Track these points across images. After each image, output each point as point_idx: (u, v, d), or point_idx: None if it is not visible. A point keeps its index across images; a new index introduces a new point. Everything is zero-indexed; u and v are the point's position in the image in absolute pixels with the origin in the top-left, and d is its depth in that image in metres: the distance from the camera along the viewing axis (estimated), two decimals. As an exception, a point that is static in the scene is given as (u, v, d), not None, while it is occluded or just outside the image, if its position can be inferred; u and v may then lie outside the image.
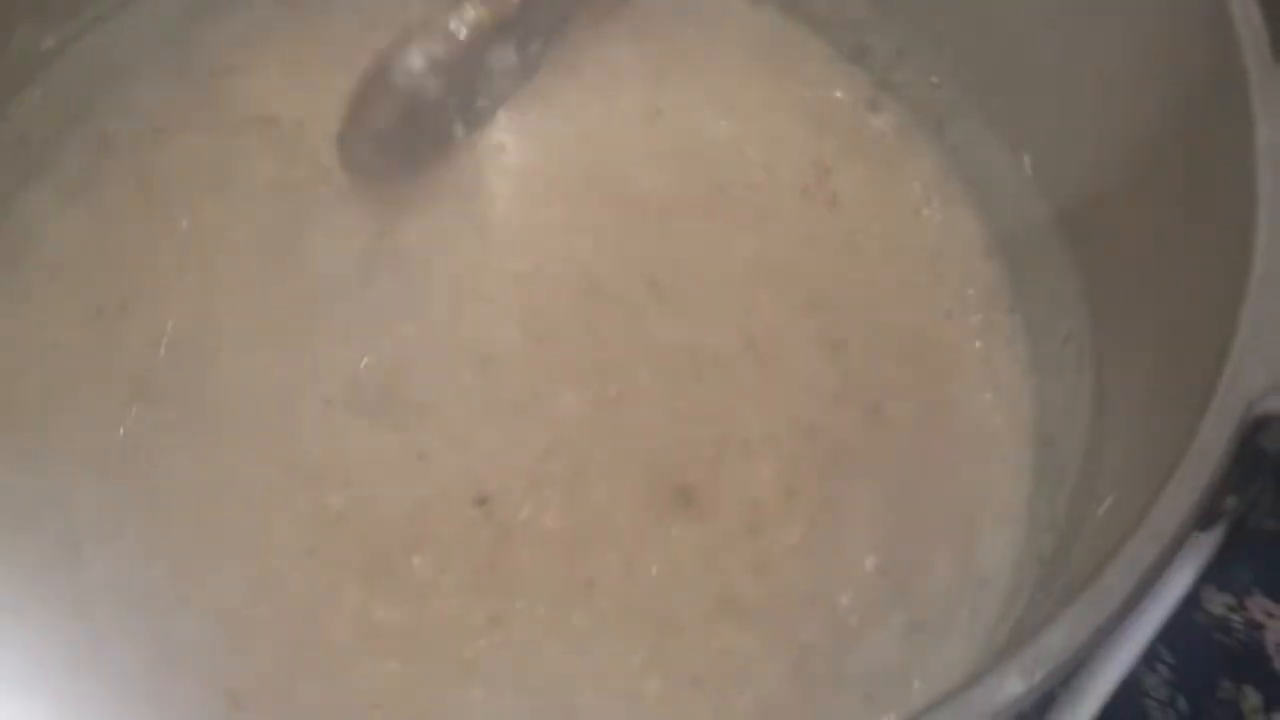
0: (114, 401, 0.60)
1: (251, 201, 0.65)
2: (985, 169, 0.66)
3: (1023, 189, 0.63)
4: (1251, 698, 0.62)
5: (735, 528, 0.59)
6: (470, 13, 0.62)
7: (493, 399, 0.61)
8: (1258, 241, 0.45)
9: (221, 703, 0.54)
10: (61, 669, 0.55)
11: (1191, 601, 0.63)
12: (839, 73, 0.70)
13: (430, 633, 0.56)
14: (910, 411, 0.62)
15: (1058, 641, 0.38)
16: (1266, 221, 0.45)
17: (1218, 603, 0.64)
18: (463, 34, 0.62)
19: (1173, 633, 0.58)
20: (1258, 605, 0.64)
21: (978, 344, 0.64)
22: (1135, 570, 0.39)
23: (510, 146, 0.68)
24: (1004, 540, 0.59)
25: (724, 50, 0.70)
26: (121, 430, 0.60)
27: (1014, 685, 0.37)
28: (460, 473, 0.59)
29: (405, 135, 0.64)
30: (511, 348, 0.62)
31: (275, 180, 0.66)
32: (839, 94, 0.70)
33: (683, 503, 0.59)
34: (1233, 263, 0.45)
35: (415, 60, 0.61)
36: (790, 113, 0.69)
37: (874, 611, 0.57)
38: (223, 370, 0.61)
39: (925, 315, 0.64)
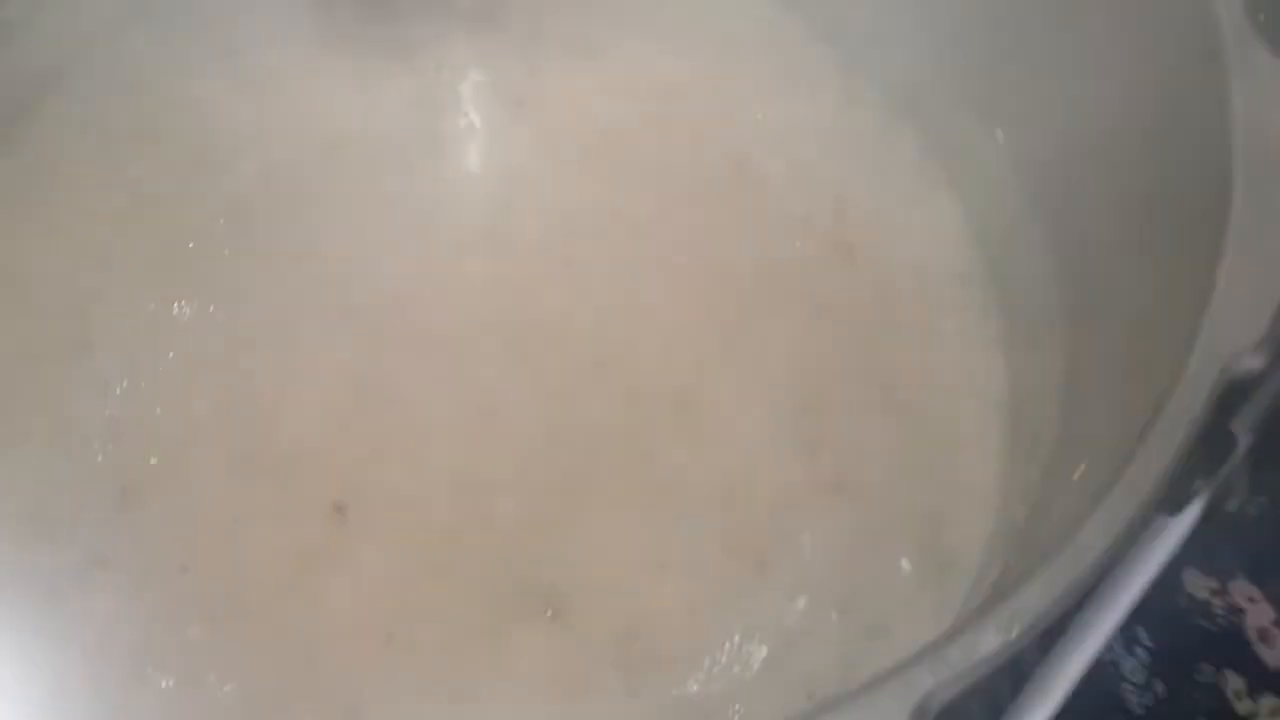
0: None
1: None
2: (958, 143, 0.66)
3: (996, 161, 0.63)
4: (1234, 681, 0.62)
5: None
6: None
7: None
8: (1233, 209, 0.45)
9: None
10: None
11: (1173, 585, 0.63)
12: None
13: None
14: (878, 389, 0.62)
15: (1034, 598, 0.38)
16: (1242, 189, 0.45)
17: (1201, 586, 0.64)
18: None
19: (1151, 616, 0.58)
20: (1240, 590, 0.64)
21: (949, 321, 0.64)
22: (1112, 528, 0.39)
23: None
24: (975, 519, 0.59)
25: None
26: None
27: (990, 641, 0.37)
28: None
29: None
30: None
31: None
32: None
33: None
34: (1208, 229, 0.45)
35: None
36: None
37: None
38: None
39: (896, 291, 0.64)
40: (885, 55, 0.69)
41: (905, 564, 0.58)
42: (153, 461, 0.56)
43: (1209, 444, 0.42)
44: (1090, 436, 0.51)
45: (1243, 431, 0.43)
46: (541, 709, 0.53)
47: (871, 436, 0.61)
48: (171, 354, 0.59)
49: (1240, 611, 0.64)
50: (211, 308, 0.60)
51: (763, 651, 0.56)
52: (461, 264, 0.64)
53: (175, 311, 0.60)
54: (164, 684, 0.51)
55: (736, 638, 0.56)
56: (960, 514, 0.59)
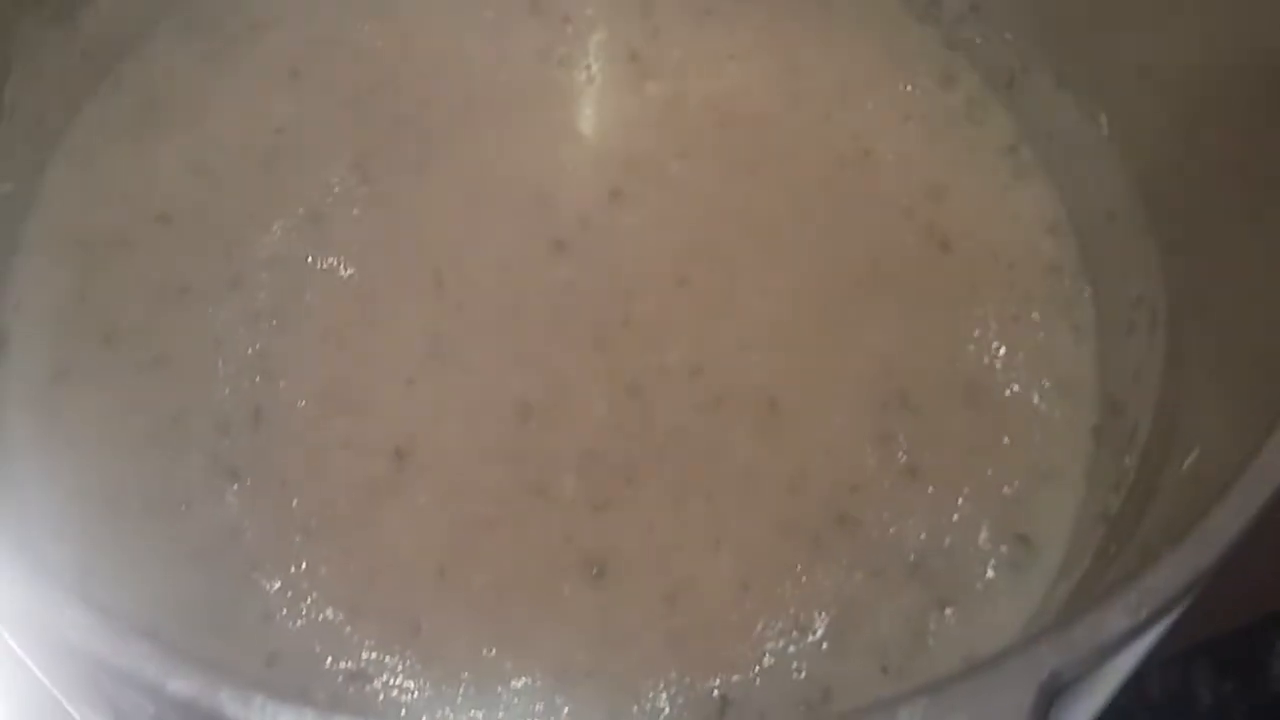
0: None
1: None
2: (1057, 127, 0.65)
3: (1097, 146, 0.62)
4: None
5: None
6: None
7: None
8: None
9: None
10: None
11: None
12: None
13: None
14: (963, 381, 0.61)
15: (1164, 580, 0.36)
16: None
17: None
18: None
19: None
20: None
21: (1038, 312, 0.63)
22: (1245, 511, 0.38)
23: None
24: (1058, 506, 0.58)
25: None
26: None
27: (1118, 621, 0.35)
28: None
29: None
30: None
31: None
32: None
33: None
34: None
35: None
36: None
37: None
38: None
39: (988, 282, 0.63)
40: (984, 37, 0.68)
41: (981, 542, 0.58)
42: (281, 385, 0.59)
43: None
44: (1200, 425, 0.50)
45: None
46: (583, 655, 0.55)
47: (951, 427, 0.60)
48: (306, 296, 0.62)
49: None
50: (333, 260, 0.62)
51: (823, 620, 0.56)
52: (561, 242, 0.64)
53: (309, 261, 0.63)
54: (268, 586, 0.56)
55: (792, 609, 0.56)
56: (1043, 501, 0.58)
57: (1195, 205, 0.56)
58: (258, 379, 0.59)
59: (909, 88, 0.68)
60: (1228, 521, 0.37)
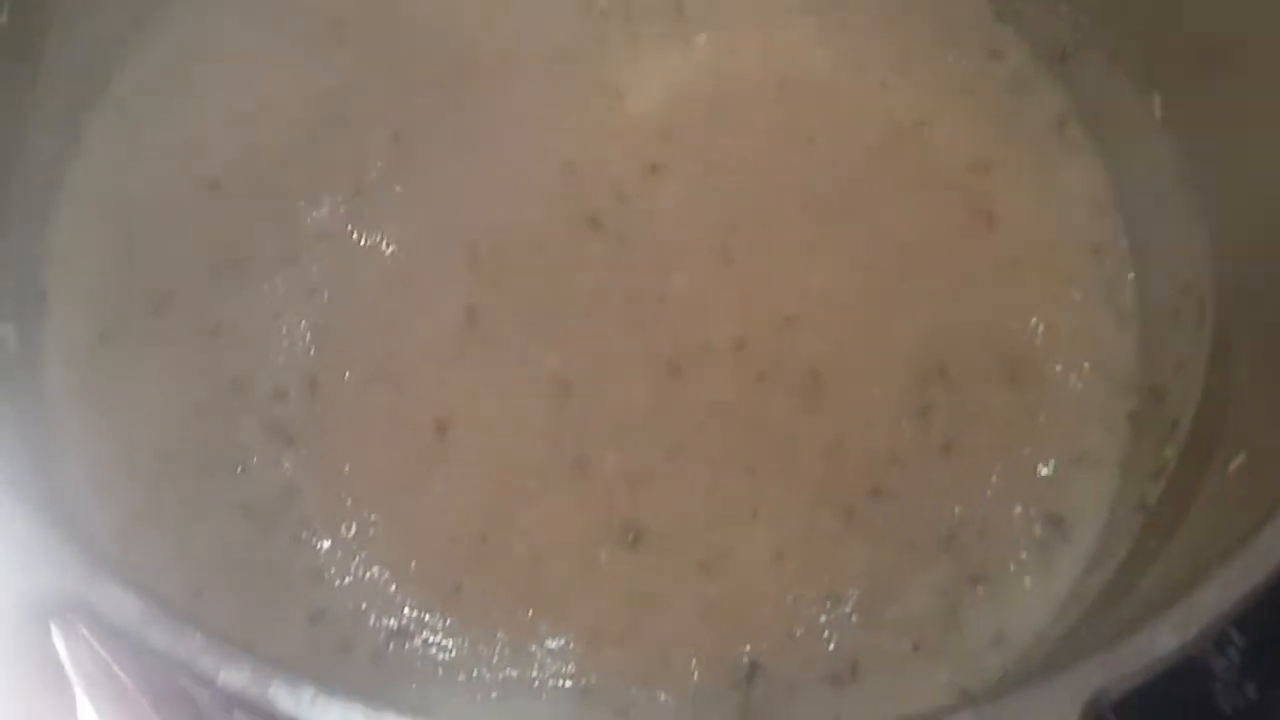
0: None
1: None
2: (1110, 108, 0.64)
3: (1150, 129, 0.61)
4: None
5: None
6: None
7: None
8: None
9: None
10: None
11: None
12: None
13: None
14: (1003, 360, 0.61)
15: (1212, 599, 0.37)
16: None
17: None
18: None
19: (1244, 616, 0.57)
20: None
21: (1079, 293, 0.63)
22: None
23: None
24: (1094, 490, 0.59)
25: None
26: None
27: (1166, 641, 0.36)
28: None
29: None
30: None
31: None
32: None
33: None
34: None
35: None
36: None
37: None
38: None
39: (1032, 260, 0.63)
40: (1039, 8, 0.66)
41: (1014, 521, 0.58)
42: (332, 357, 0.61)
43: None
44: (1246, 426, 0.50)
45: None
46: (617, 619, 0.56)
47: (988, 405, 0.60)
48: (353, 272, 0.63)
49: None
50: (377, 236, 0.63)
51: (855, 592, 0.57)
52: (596, 218, 0.64)
53: (354, 237, 0.63)
54: (319, 545, 0.57)
55: (825, 579, 0.57)
56: (1078, 484, 0.59)
57: (1250, 194, 0.55)
58: (312, 351, 0.60)
59: (958, 58, 0.67)
60: (1276, 542, 0.38)
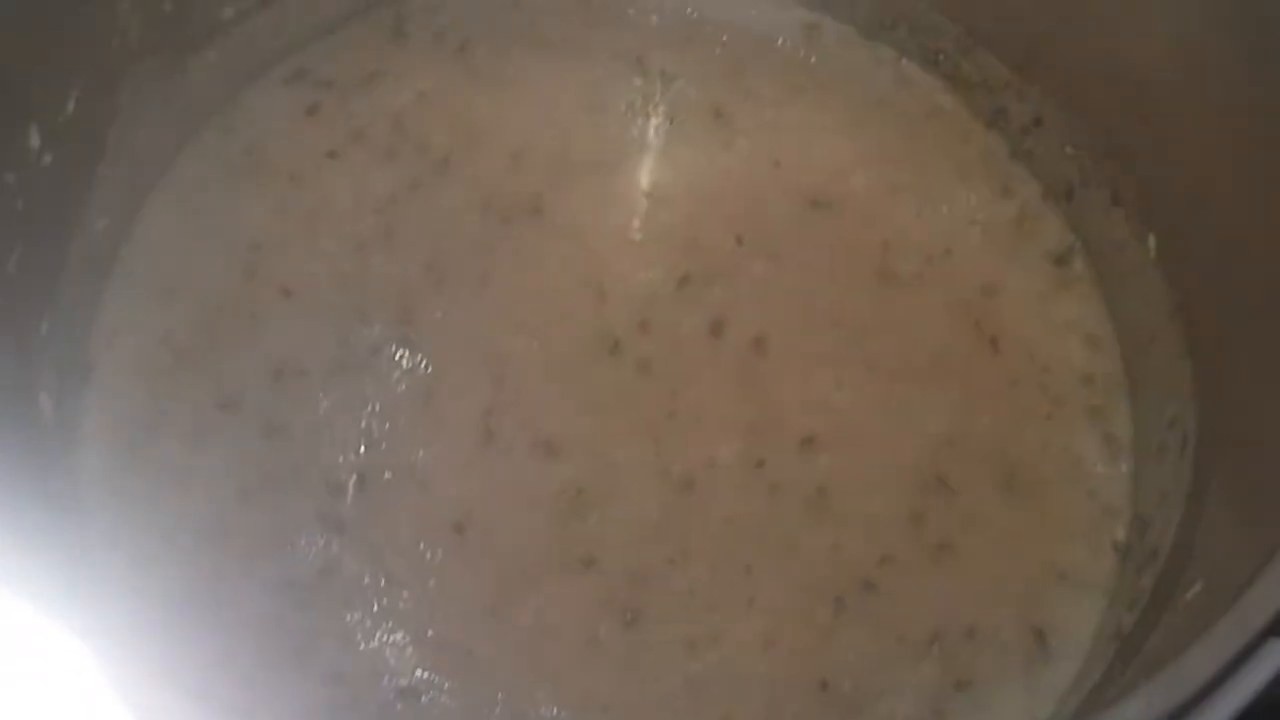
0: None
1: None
2: (1108, 242, 0.67)
3: (1145, 265, 0.64)
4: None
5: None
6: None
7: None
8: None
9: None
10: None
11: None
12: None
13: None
14: (1001, 478, 0.64)
15: (1134, 713, 0.38)
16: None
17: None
18: None
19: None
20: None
21: (1069, 418, 0.65)
22: (1217, 658, 0.39)
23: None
24: (1079, 610, 0.60)
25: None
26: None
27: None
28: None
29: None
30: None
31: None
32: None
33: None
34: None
35: None
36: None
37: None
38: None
39: (1032, 386, 0.66)
40: (1042, 145, 0.70)
41: (1001, 631, 0.60)
42: (376, 459, 0.65)
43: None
44: (1209, 557, 0.51)
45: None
46: (606, 690, 0.59)
47: (984, 515, 0.63)
48: (396, 386, 0.67)
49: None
50: (419, 357, 0.67)
51: (841, 685, 0.59)
52: (618, 343, 0.67)
53: (397, 358, 0.67)
54: (349, 618, 0.61)
55: (812, 670, 0.60)
56: (1063, 602, 0.61)
57: (1235, 335, 0.57)
58: (362, 450, 0.64)
59: (975, 190, 0.71)
60: (1201, 666, 0.39)
